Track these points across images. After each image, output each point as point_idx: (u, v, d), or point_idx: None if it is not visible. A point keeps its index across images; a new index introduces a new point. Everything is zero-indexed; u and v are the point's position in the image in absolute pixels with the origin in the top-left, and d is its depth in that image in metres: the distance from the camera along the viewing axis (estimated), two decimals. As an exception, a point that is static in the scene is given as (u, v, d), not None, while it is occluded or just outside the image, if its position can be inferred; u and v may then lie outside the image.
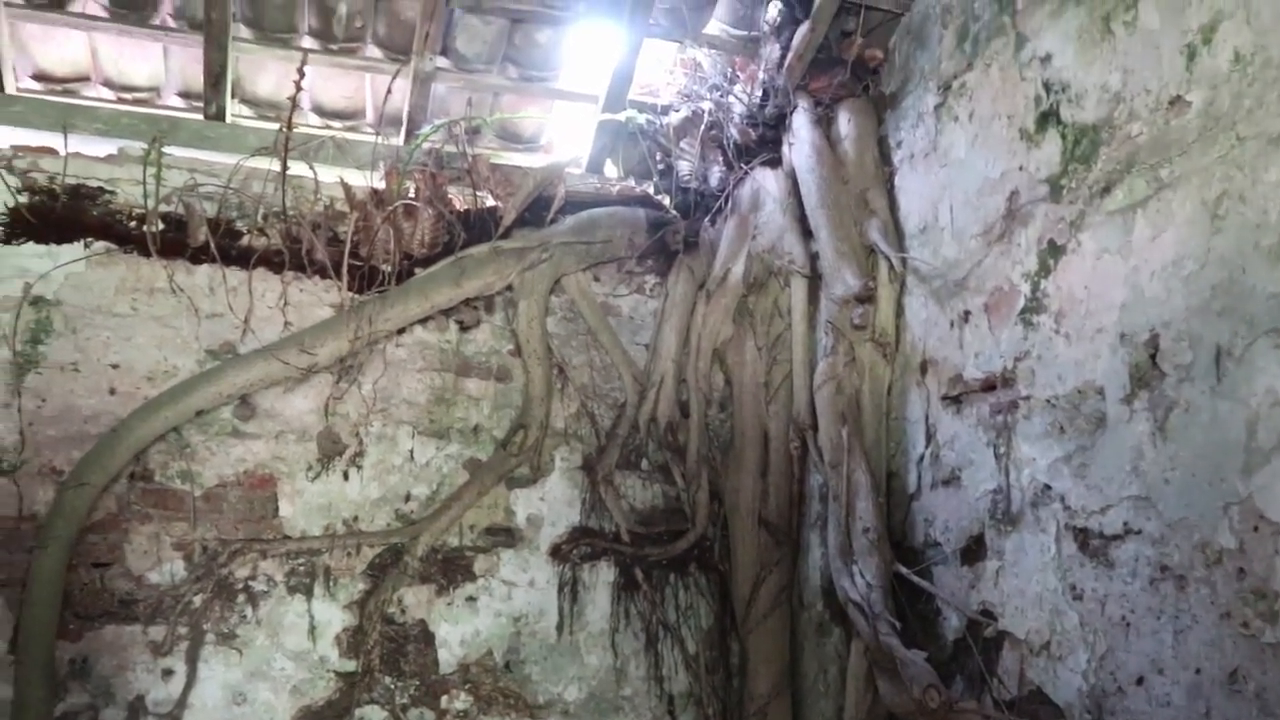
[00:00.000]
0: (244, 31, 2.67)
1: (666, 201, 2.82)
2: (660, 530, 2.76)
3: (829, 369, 2.60)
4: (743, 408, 2.79)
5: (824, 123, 2.76)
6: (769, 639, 2.74)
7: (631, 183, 2.83)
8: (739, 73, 2.85)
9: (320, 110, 2.83)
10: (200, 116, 2.69)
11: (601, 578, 2.75)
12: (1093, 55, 1.99)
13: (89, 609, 2.47)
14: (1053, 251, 2.04)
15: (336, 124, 2.81)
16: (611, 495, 2.72)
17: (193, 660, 2.50)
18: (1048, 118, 2.11)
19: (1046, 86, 2.12)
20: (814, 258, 2.74)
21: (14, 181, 2.54)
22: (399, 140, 2.79)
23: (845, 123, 2.73)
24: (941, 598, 2.26)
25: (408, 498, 2.65)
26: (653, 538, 2.75)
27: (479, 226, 2.69)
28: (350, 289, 2.58)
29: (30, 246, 2.55)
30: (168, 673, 2.49)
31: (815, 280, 2.72)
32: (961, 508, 2.28)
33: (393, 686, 2.59)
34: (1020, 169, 2.18)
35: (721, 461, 2.80)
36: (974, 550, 2.23)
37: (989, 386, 2.23)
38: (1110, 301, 1.86)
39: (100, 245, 2.58)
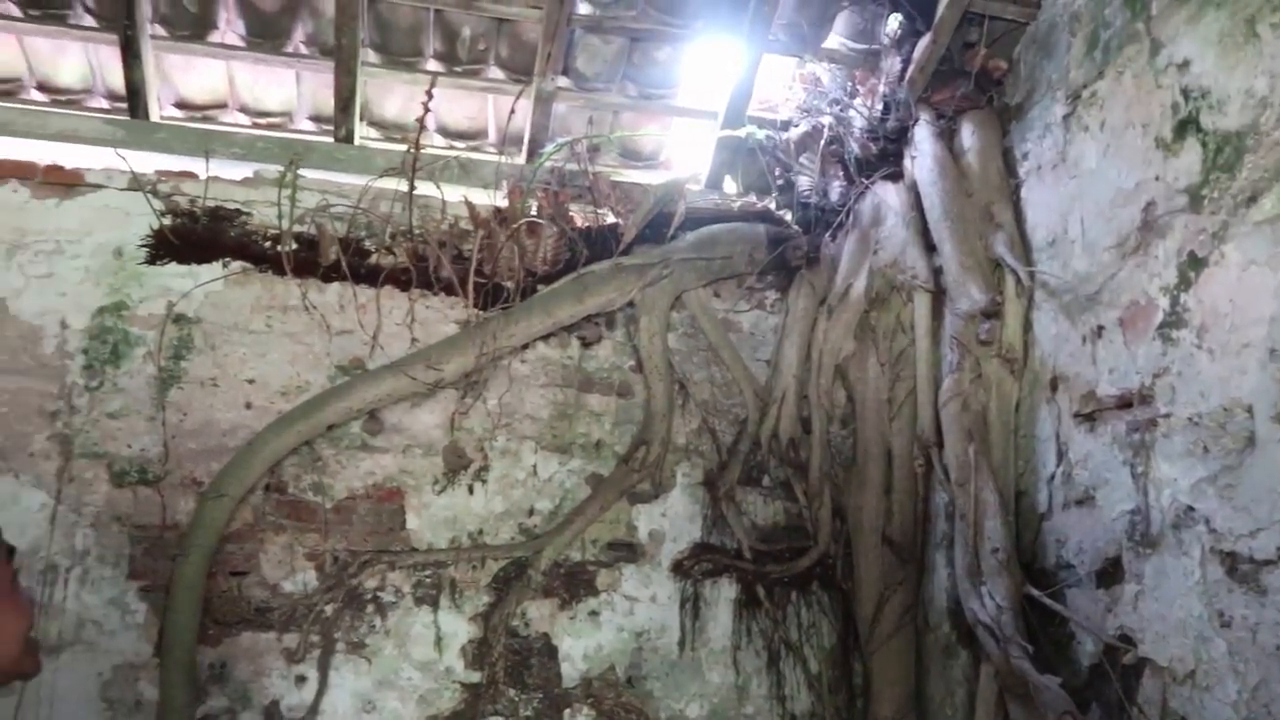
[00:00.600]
0: (372, 56, 2.95)
1: (787, 217, 3.01)
2: (782, 547, 2.93)
3: (954, 385, 2.75)
4: (865, 424, 2.95)
5: (946, 135, 2.93)
6: (893, 660, 2.87)
7: (752, 198, 3.03)
8: (859, 86, 3.04)
9: (445, 131, 3.09)
10: (330, 139, 2.97)
11: (723, 594, 2.92)
12: (1235, 59, 2.04)
13: (227, 616, 2.72)
14: (1194, 264, 2.10)
15: (460, 144, 3.07)
16: (733, 511, 2.90)
17: (324, 668, 2.74)
18: (1186, 126, 2.17)
19: (1185, 93, 2.19)
20: (937, 272, 2.90)
21: (158, 205, 2.84)
22: (521, 159, 3.03)
23: (969, 135, 2.90)
24: (1076, 621, 2.31)
25: (531, 512, 2.87)
26: (774, 555, 2.91)
27: (600, 243, 2.91)
28: (475, 306, 2.81)
29: (173, 266, 2.85)
30: (301, 679, 2.73)
31: (939, 295, 2.87)
32: (1096, 528, 2.34)
33: (517, 699, 2.80)
34: (1156, 179, 2.26)
35: (844, 478, 2.96)
36: (1110, 573, 2.28)
37: (1125, 404, 2.30)
38: (1258, 315, 1.91)
39: (237, 265, 2.86)
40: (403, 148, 2.79)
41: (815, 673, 2.93)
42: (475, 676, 2.78)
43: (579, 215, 2.93)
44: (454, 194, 2.84)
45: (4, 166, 2.85)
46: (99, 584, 2.69)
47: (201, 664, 2.67)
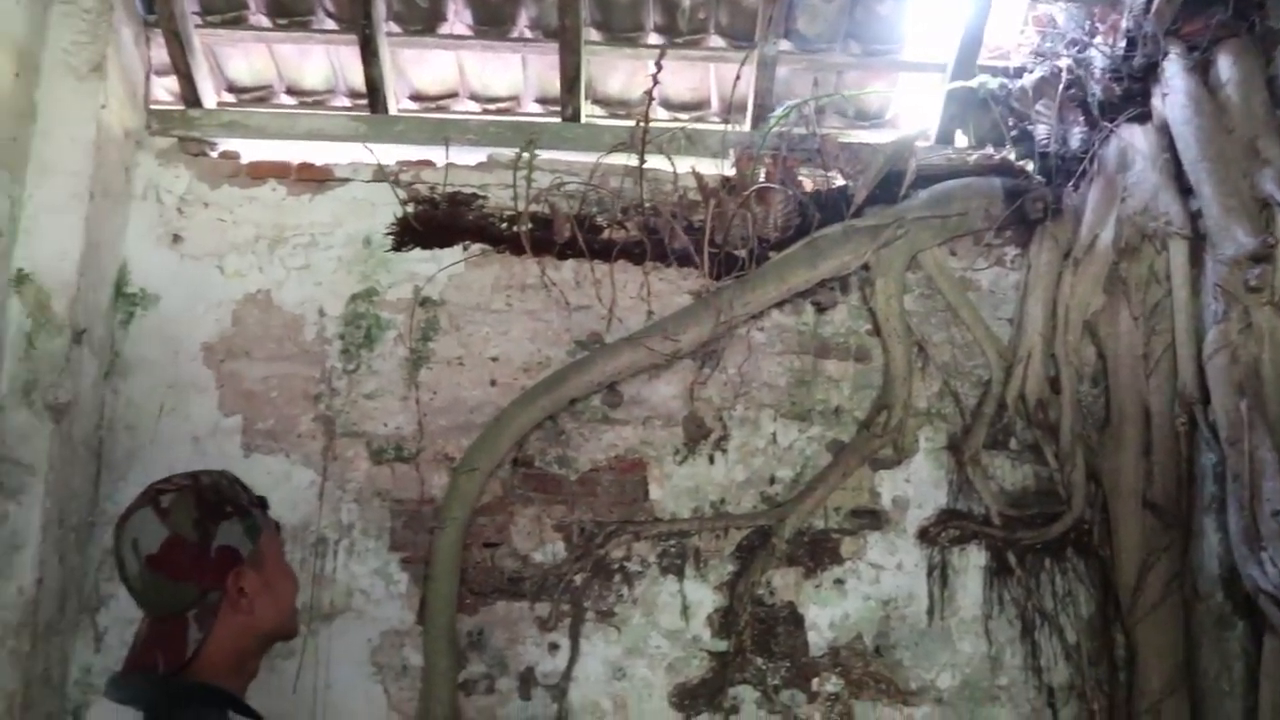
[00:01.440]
0: (594, 35, 3.28)
1: (1028, 168, 3.16)
2: (1033, 513, 3.09)
3: (1220, 337, 2.84)
4: (1119, 382, 3.07)
5: (1200, 69, 3.01)
6: (1160, 631, 2.98)
7: (989, 150, 3.19)
8: (1098, 24, 3.15)
9: (668, 104, 3.40)
10: (558, 119, 3.33)
11: (972, 561, 3.11)
12: None
13: (482, 585, 3.11)
14: None
15: (683, 115, 3.37)
16: (980, 476, 3.08)
17: (575, 636, 3.09)
18: None
19: None
20: (1195, 217, 2.99)
21: (401, 194, 3.26)
22: (745, 126, 3.30)
23: (1226, 66, 2.97)
24: (1374, 583, 2.42)
25: (772, 480, 3.13)
26: (1025, 520, 3.07)
27: (830, 207, 3.14)
28: (708, 276, 3.10)
29: (417, 252, 3.26)
30: (553, 647, 3.09)
31: (1197, 241, 2.96)
32: (1394, 481, 2.43)
33: (764, 667, 3.07)
34: None
35: (1097, 440, 3.09)
36: None
37: None
38: None
39: (477, 247, 3.25)
40: (628, 123, 3.10)
41: (1073, 643, 3.07)
42: (722, 645, 3.07)
43: (808, 179, 3.17)
44: (681, 166, 3.13)
45: (262, 168, 3.34)
46: (364, 555, 3.13)
47: (460, 632, 3.06)
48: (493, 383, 3.16)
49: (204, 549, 1.48)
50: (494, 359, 3.18)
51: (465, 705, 3.02)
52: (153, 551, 1.48)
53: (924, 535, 3.09)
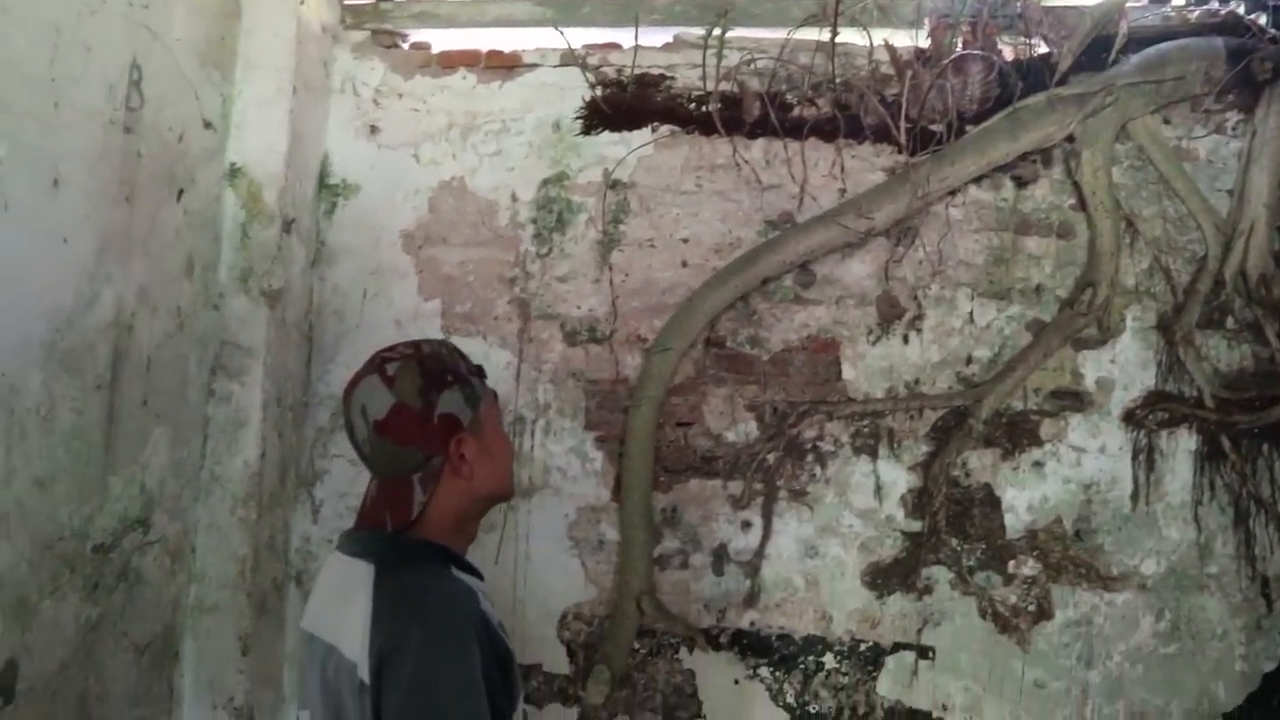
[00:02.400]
0: (784, -96, 3.53)
1: (1261, 21, 3.24)
2: (1250, 395, 3.22)
3: None
4: (1352, 256, 3.17)
5: None
6: (1389, 519, 3.12)
7: (1213, 4, 3.29)
8: None
9: (859, -27, 3.63)
10: (744, -5, 3.61)
11: (1181, 445, 3.30)
12: None
13: (675, 464, 3.51)
14: None
15: (875, -14, 3.59)
16: (1192, 356, 3.25)
17: (768, 514, 3.46)
18: None
19: None
20: None
21: (589, 77, 3.62)
22: (943, -6, 3.51)
23: None
24: None
25: (968, 360, 3.40)
26: (1241, 403, 3.22)
27: (1033, 76, 3.32)
28: (903, 151, 3.36)
29: (606, 135, 3.62)
30: (746, 524, 3.47)
31: None
32: None
33: (959, 548, 3.37)
34: None
35: (1325, 318, 3.21)
36: None
37: None
38: None
39: (665, 128, 3.58)
40: (819, -4, 3.35)
41: (1293, 533, 3.24)
42: (916, 525, 3.38)
43: (1008, 47, 3.35)
44: (874, 38, 3.37)
45: (452, 57, 3.75)
46: (560, 434, 3.57)
47: (654, 508, 3.48)
48: (684, 264, 3.51)
49: (427, 416, 1.68)
50: (685, 240, 3.52)
51: (660, 579, 3.43)
52: (380, 417, 1.67)
53: (1129, 418, 3.29)
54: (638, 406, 3.30)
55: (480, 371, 1.83)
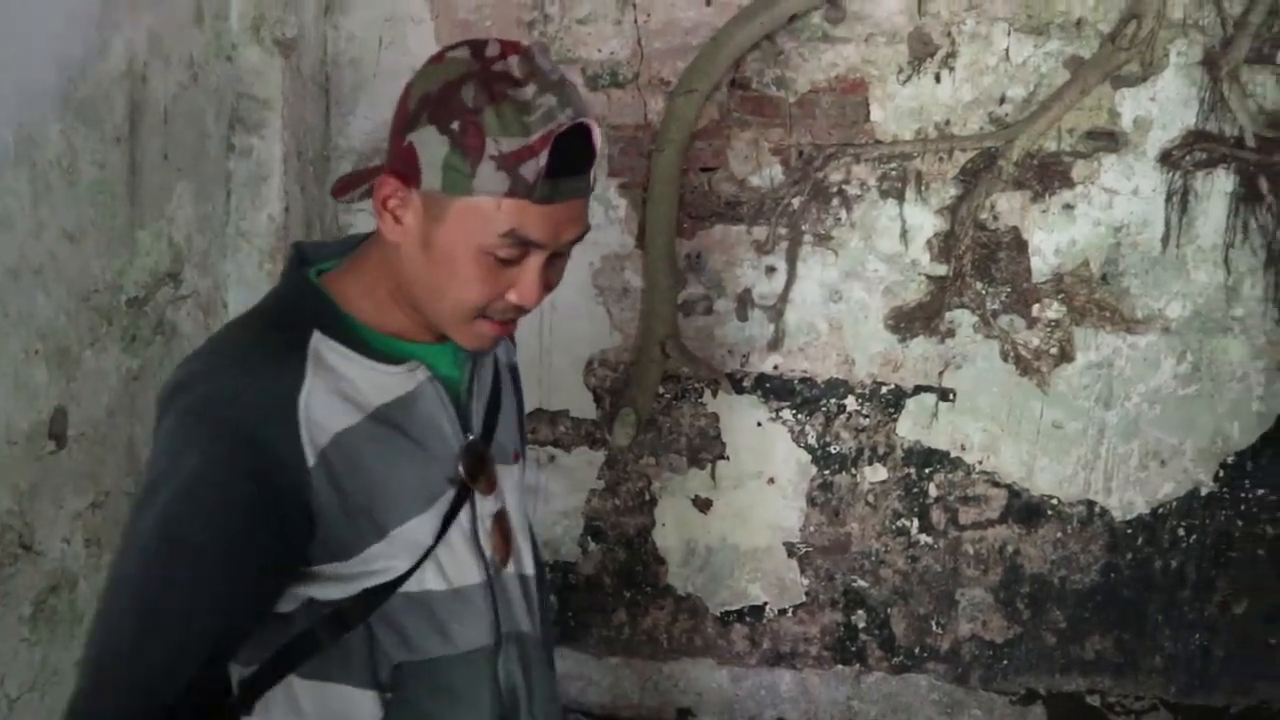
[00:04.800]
0: None
1: None
2: (1294, 133, 3.07)
3: None
4: None
5: None
6: None
7: None
8: None
9: None
10: None
11: (1217, 187, 3.15)
12: None
13: (699, 210, 3.40)
14: None
15: None
16: (1237, 94, 3.06)
17: (792, 259, 3.37)
18: None
19: None
20: None
21: None
22: None
23: None
24: None
25: (1002, 100, 3.21)
26: (1284, 142, 3.07)
27: None
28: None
29: None
30: (770, 269, 3.39)
31: None
32: None
33: (984, 292, 3.29)
34: None
35: (1381, 50, 3.00)
36: None
37: None
38: None
39: None
40: None
41: (1323, 275, 3.14)
42: (941, 269, 3.29)
43: None
44: None
45: None
46: (583, 181, 3.45)
47: (679, 254, 3.39)
48: (708, 2, 3.29)
49: (400, 126, 1.07)
50: (708, -22, 3.29)
51: (684, 325, 3.39)
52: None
53: (1166, 158, 3.14)
54: (661, 151, 3.19)
55: (554, 169, 1.03)
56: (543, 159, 1.02)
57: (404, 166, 1.06)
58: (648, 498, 3.49)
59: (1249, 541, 3.34)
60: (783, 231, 3.34)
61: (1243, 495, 3.32)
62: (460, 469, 1.16)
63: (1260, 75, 3.10)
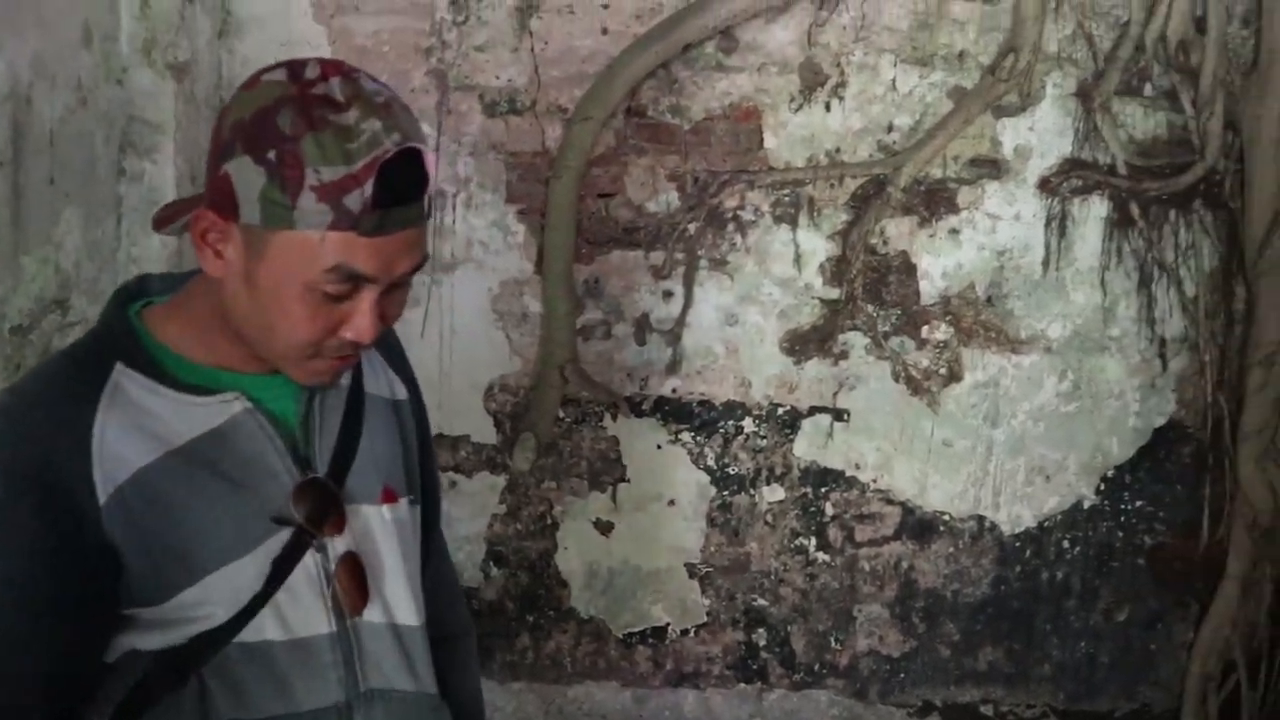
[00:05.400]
0: None
1: None
2: (1162, 163, 3.19)
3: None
4: (1273, 22, 3.05)
5: None
6: (1283, 283, 3.15)
7: None
8: None
9: None
10: None
11: (1093, 212, 3.27)
12: None
13: (597, 235, 3.41)
14: None
15: None
16: (1109, 124, 3.17)
17: (689, 284, 3.39)
18: None
19: None
20: None
21: None
22: None
23: None
24: None
25: (890, 128, 3.29)
26: (1153, 170, 3.19)
27: None
28: (829, -91, 3.14)
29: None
30: (667, 294, 3.41)
31: None
32: None
33: (875, 314, 3.35)
34: None
35: (1241, 86, 3.14)
36: None
37: None
38: None
39: (583, -116, 3.32)
40: None
41: (1191, 296, 3.26)
42: (834, 292, 3.35)
43: None
44: None
45: None
46: (481, 208, 3.43)
47: (577, 280, 3.39)
48: (604, 30, 3.31)
49: (215, 156, 1.00)
50: (605, 5, 3.31)
51: (583, 349, 3.39)
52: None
53: (1045, 185, 3.24)
54: (559, 178, 3.20)
55: (380, 200, 0.95)
56: (368, 189, 0.95)
57: (221, 199, 1.00)
58: (549, 522, 3.47)
59: (1129, 551, 3.45)
60: (679, 257, 3.37)
61: (1122, 507, 3.43)
62: (293, 509, 1.06)
63: (1129, 106, 3.22)
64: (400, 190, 0.97)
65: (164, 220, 1.12)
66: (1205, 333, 3.26)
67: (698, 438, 3.42)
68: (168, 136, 3.24)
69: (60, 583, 0.97)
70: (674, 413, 3.42)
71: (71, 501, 0.98)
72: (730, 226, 3.36)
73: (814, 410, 3.41)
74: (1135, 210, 3.24)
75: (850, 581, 3.48)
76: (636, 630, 3.53)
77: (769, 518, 3.45)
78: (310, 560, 1.08)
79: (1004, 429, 3.39)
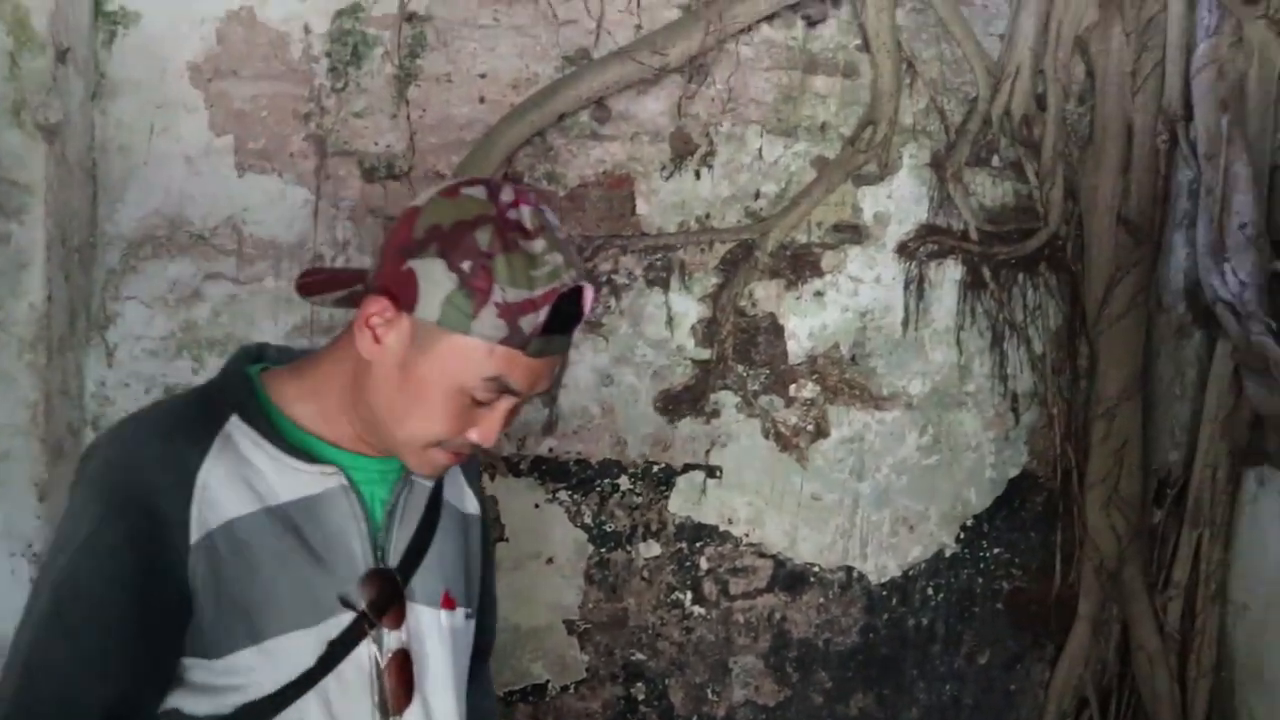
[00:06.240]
0: None
1: None
2: (1010, 229, 3.36)
3: (1210, 51, 3.02)
4: (1105, 100, 3.27)
5: None
6: (1121, 341, 3.33)
7: None
8: None
9: None
10: None
11: (948, 275, 3.41)
12: None
13: (477, 299, 3.43)
14: None
15: None
16: (960, 193, 3.33)
17: (567, 346, 3.43)
18: None
19: None
20: (1195, -77, 3.10)
21: (381, -101, 3.34)
22: None
23: None
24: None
25: (757, 195, 3.39)
26: (1002, 236, 3.36)
27: (824, -86, 3.24)
28: (696, -12, 3.24)
29: (400, -37, 3.38)
30: (547, 357, 3.44)
31: (1196, -50, 3.08)
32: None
33: (745, 374, 3.44)
34: None
35: (1079, 158, 3.32)
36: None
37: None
38: None
39: (463, -40, 3.37)
40: None
41: (1039, 353, 3.43)
42: (705, 353, 3.42)
43: (800, -115, 3.25)
44: None
45: None
46: (361, 271, 3.42)
47: (457, 341, 3.40)
48: (481, 99, 3.35)
49: (401, 251, 1.08)
50: (482, 75, 3.36)
51: (463, 410, 3.38)
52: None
53: (903, 250, 3.38)
54: (439, 243, 3.15)
55: (545, 329, 1.07)
56: (542, 314, 1.05)
57: (399, 289, 1.07)
58: (429, 583, 3.44)
59: (989, 596, 3.58)
60: (557, 319, 3.38)
61: (981, 554, 3.56)
62: (359, 594, 1.09)
63: (979, 176, 3.39)
64: (565, 321, 1.09)
65: (313, 289, 1.18)
66: (1053, 388, 3.42)
67: (575, 496, 3.45)
68: (37, 198, 3.16)
69: (139, 608, 1.00)
70: (551, 472, 3.44)
71: (165, 533, 1.02)
72: (605, 290, 3.41)
73: (688, 467, 3.47)
74: (987, 273, 3.38)
75: (725, 634, 3.53)
76: (516, 689, 3.52)
77: (645, 573, 3.49)
78: (364, 650, 1.10)
79: (869, 482, 3.50)
